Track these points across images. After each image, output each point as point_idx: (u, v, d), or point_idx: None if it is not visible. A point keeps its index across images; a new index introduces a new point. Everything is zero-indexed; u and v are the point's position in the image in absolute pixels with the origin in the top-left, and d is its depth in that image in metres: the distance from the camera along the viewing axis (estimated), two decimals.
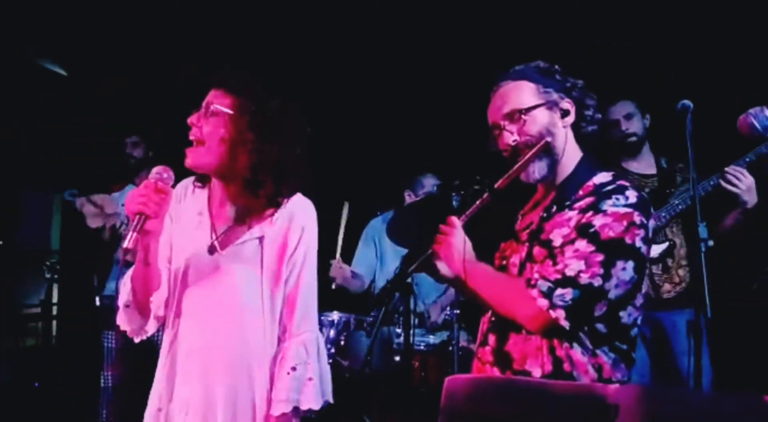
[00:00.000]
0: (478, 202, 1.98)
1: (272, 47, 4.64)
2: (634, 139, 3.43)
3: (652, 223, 1.89)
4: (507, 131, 1.96)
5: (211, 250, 1.95)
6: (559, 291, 1.78)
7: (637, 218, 1.82)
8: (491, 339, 1.97)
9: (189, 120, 1.93)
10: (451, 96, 4.49)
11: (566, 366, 1.82)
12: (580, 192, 1.91)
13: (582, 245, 1.80)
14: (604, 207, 1.82)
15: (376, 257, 4.24)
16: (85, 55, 5.11)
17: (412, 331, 3.24)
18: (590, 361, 1.83)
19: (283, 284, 1.95)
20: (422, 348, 3.56)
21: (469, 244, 1.97)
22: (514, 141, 1.95)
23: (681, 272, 3.31)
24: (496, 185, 1.96)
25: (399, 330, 3.49)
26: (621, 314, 1.85)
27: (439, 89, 4.58)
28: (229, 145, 1.91)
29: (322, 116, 4.77)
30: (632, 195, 1.85)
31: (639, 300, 1.88)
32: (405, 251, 3.76)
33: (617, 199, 1.83)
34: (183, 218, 2.01)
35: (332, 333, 3.45)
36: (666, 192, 3.35)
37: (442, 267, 2.01)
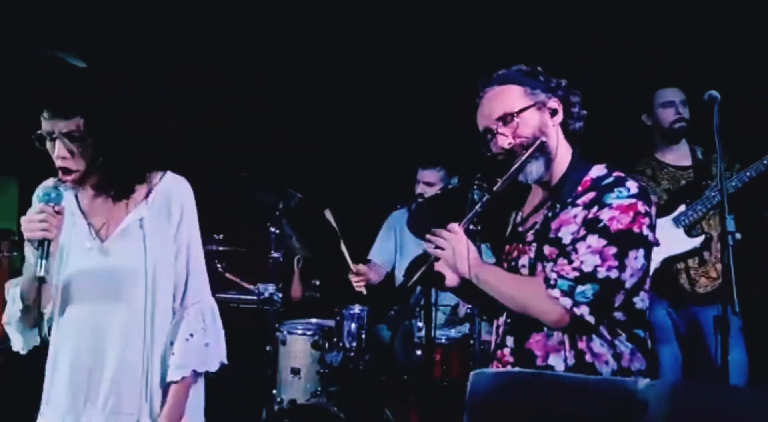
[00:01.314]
0: (477, 207, 2.03)
1: (272, 47, 4.64)
2: (683, 125, 3.37)
3: (654, 209, 1.95)
4: (500, 134, 1.99)
5: (95, 245, 1.97)
6: (579, 288, 1.84)
7: (641, 207, 1.89)
8: (509, 340, 2.02)
9: (57, 154, 1.89)
10: (452, 91, 4.49)
11: (587, 358, 1.89)
12: (579, 188, 1.97)
13: (594, 240, 1.86)
14: (609, 200, 1.88)
15: (396, 248, 4.26)
16: (105, 47, 5.13)
17: (433, 324, 3.23)
18: (609, 351, 1.90)
19: (172, 260, 2.00)
20: (443, 341, 3.55)
21: (473, 248, 2.00)
22: (509, 144, 1.98)
23: (719, 266, 3.25)
24: (495, 189, 2.01)
25: (420, 324, 3.48)
26: (635, 300, 1.93)
27: (441, 85, 4.57)
28: (90, 158, 1.90)
29: (324, 113, 4.85)
30: (633, 186, 1.92)
31: (648, 284, 1.96)
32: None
33: (620, 191, 1.90)
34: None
35: (353, 326, 3.45)
36: (702, 184, 3.30)
37: (447, 274, 2.06)
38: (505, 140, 1.98)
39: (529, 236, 2.03)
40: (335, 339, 3.46)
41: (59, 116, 1.88)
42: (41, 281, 1.83)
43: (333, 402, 3.40)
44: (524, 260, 2.03)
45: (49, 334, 2.02)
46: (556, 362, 1.91)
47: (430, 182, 4.04)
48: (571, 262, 1.87)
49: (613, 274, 1.84)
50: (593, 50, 4.00)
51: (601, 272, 1.84)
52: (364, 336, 3.42)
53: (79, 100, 1.90)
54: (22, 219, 1.85)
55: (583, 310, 1.83)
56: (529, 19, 4.21)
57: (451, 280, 2.08)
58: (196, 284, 2.04)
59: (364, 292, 3.91)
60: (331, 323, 3.70)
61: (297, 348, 3.71)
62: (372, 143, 4.88)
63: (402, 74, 4.66)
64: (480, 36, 4.33)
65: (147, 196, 2.00)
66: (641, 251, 1.87)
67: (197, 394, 2.05)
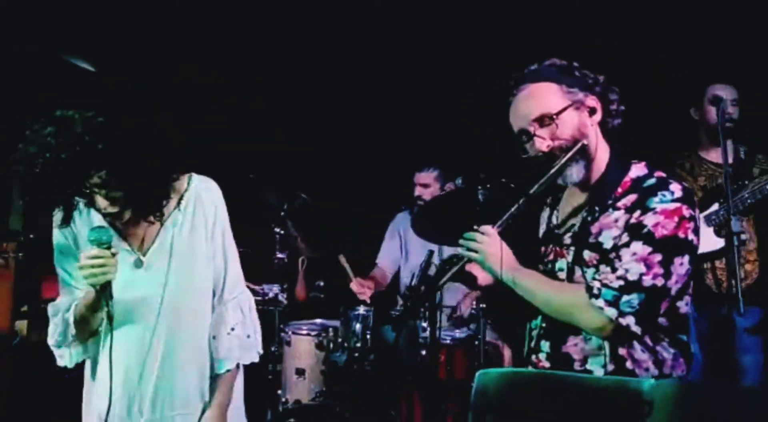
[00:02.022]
0: (513, 209, 1.95)
1: (272, 48, 4.65)
2: (732, 126, 3.29)
3: (698, 211, 1.88)
4: (539, 136, 1.91)
5: (136, 260, 1.99)
6: (625, 298, 1.78)
7: (686, 211, 1.81)
8: (545, 345, 1.96)
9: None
10: (449, 93, 4.50)
11: (628, 364, 1.82)
12: (619, 189, 1.90)
13: (638, 247, 1.79)
14: (653, 205, 1.81)
15: (401, 251, 4.28)
16: (114, 50, 5.14)
17: (438, 325, 3.24)
18: (651, 358, 1.83)
19: (210, 260, 2.05)
20: (448, 341, 3.54)
21: (509, 251, 1.94)
22: (547, 147, 1.90)
23: (748, 266, 3.24)
24: (531, 191, 1.93)
25: (425, 324, 3.48)
26: (678, 304, 1.86)
27: (439, 86, 4.58)
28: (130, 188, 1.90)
29: (327, 114, 4.85)
30: (677, 188, 1.84)
31: (691, 288, 1.90)
32: (430, 245, 3.81)
33: (663, 195, 1.82)
34: (85, 241, 1.96)
35: (358, 327, 3.44)
36: (739, 184, 3.23)
37: (480, 275, 2.04)
38: (543, 143, 1.90)
39: (567, 239, 1.97)
40: (340, 340, 3.47)
41: None
42: (111, 319, 1.86)
43: (338, 403, 3.41)
44: (561, 264, 1.97)
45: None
46: (595, 367, 1.85)
47: (425, 183, 4.08)
48: (615, 270, 1.81)
49: (659, 282, 1.78)
50: (593, 50, 3.99)
51: (647, 281, 1.77)
52: (368, 336, 3.42)
53: None
54: (81, 263, 1.85)
55: (629, 320, 1.78)
56: (527, 20, 4.21)
57: (484, 280, 2.06)
58: (233, 280, 2.10)
59: (368, 301, 3.93)
60: (336, 323, 3.70)
61: (301, 348, 3.71)
62: (376, 144, 4.89)
63: (402, 75, 4.66)
64: (477, 37, 4.34)
65: (179, 203, 2.02)
66: (686, 257, 1.81)
67: (238, 384, 2.14)
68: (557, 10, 4.12)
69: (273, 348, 3.73)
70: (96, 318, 1.96)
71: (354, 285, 3.93)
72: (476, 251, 1.95)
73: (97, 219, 1.95)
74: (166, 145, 1.94)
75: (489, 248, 1.93)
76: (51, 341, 2.02)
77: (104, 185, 1.81)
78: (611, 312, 1.78)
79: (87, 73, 4.81)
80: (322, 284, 4.35)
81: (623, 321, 1.78)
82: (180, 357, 2.00)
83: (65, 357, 2.03)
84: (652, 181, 1.87)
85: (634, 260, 1.79)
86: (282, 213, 3.97)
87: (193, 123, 4.46)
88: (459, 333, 3.64)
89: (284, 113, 4.88)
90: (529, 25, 4.21)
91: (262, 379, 3.77)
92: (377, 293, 4.05)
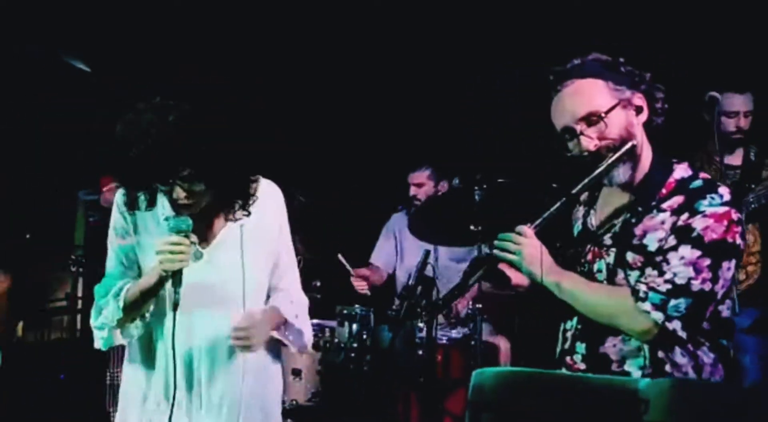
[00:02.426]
0: (552, 209, 1.90)
1: (272, 47, 4.65)
2: (740, 137, 3.30)
3: (743, 215, 1.92)
4: (586, 135, 1.86)
5: (197, 254, 2.01)
6: (672, 302, 1.76)
7: (734, 215, 1.79)
8: (580, 346, 1.93)
9: (177, 196, 1.92)
10: (447, 93, 4.51)
11: (667, 368, 1.81)
12: (663, 190, 1.86)
13: (687, 251, 1.76)
14: (702, 208, 1.78)
15: (396, 251, 4.29)
16: (109, 51, 5.14)
17: (434, 325, 3.24)
18: (690, 363, 1.81)
19: (271, 264, 2.14)
20: (445, 341, 3.55)
21: (547, 252, 1.90)
22: (594, 146, 1.85)
23: (750, 268, 3.24)
24: (573, 192, 1.89)
25: (421, 324, 3.48)
26: (720, 308, 1.85)
27: (435, 86, 4.59)
28: (204, 193, 1.94)
29: (325, 114, 4.86)
30: (725, 192, 1.82)
31: (734, 291, 1.92)
32: (426, 245, 3.83)
33: (712, 198, 1.79)
34: (147, 228, 2.04)
35: (355, 327, 3.45)
36: (746, 186, 3.23)
37: (513, 276, 2.00)
38: (590, 143, 1.85)
39: (607, 240, 1.93)
40: (336, 340, 3.47)
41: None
42: (176, 307, 1.88)
43: (334, 403, 3.41)
44: (600, 265, 1.93)
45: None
46: (633, 369, 1.83)
47: (419, 183, 4.10)
48: (662, 273, 1.78)
49: (707, 286, 1.75)
50: (593, 50, 3.99)
51: (695, 285, 1.75)
52: (365, 336, 3.42)
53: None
54: (160, 248, 1.88)
55: (676, 324, 1.76)
56: (524, 19, 4.23)
57: (518, 279, 2.02)
58: (290, 286, 2.21)
59: (368, 294, 3.94)
60: (332, 324, 3.70)
61: None
62: (372, 145, 4.90)
63: (398, 75, 4.68)
64: (471, 37, 4.35)
65: (245, 203, 2.04)
66: (733, 262, 1.79)
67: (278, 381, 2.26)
68: (554, 10, 4.13)
69: None
70: (147, 304, 1.99)
71: (354, 280, 3.96)
72: (513, 253, 1.89)
73: (167, 209, 1.99)
74: (249, 146, 1.99)
75: (527, 250, 1.87)
76: (95, 322, 2.04)
77: (189, 178, 1.86)
78: (658, 316, 1.76)
79: (85, 74, 4.81)
80: (318, 284, 4.34)
81: (670, 326, 1.76)
82: (227, 358, 2.04)
83: (103, 339, 2.04)
84: (698, 183, 1.84)
85: (682, 264, 1.76)
86: None
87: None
88: (455, 333, 3.64)
89: (282, 113, 4.89)
90: (526, 24, 4.23)
91: None
92: (374, 291, 4.05)
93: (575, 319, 1.96)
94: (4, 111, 4.70)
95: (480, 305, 3.39)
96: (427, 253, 3.18)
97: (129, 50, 4.81)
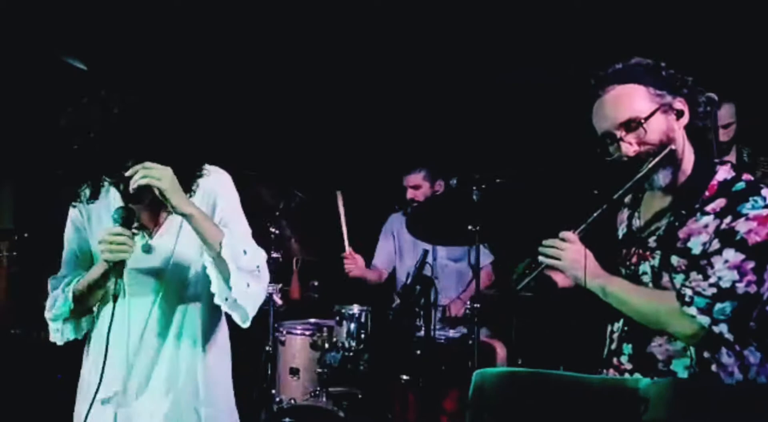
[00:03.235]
0: (596, 214, 1.93)
1: (272, 47, 4.65)
2: (724, 146, 3.31)
3: None
4: (626, 141, 1.89)
5: (142, 243, 2.05)
6: (718, 306, 1.77)
7: None
8: (627, 347, 1.95)
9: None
10: (447, 90, 4.51)
11: (713, 368, 1.82)
12: (707, 193, 1.88)
13: (731, 254, 1.78)
14: (745, 211, 1.79)
15: (395, 251, 4.30)
16: (106, 49, 5.13)
17: (433, 325, 3.25)
18: (736, 363, 1.83)
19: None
20: (442, 341, 3.55)
21: (592, 257, 1.93)
22: (634, 152, 1.89)
23: None
24: (615, 196, 1.92)
25: (419, 324, 3.49)
26: (767, 309, 1.84)
27: (435, 84, 4.59)
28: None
29: (324, 115, 4.86)
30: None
31: None
32: (424, 244, 3.83)
33: (755, 201, 1.80)
34: (101, 220, 2.07)
35: (353, 326, 3.44)
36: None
37: (559, 280, 2.05)
38: (630, 148, 1.89)
39: (652, 243, 1.95)
40: (335, 339, 3.46)
41: None
42: (115, 299, 1.88)
43: (332, 402, 3.40)
44: (645, 267, 1.96)
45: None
46: (679, 369, 1.84)
47: (415, 185, 4.11)
48: (707, 277, 1.80)
49: (752, 289, 1.77)
50: (584, 53, 4.00)
51: (740, 288, 1.77)
52: (363, 336, 3.42)
53: None
54: (102, 237, 1.88)
55: (722, 328, 1.78)
56: (520, 22, 4.23)
57: (564, 282, 2.06)
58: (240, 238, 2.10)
59: (351, 274, 3.97)
60: (331, 323, 3.70)
61: (296, 348, 3.71)
62: (371, 145, 4.90)
63: (397, 76, 4.68)
64: (469, 40, 4.36)
65: (187, 192, 2.03)
66: None
67: (226, 376, 2.20)
68: (550, 15, 4.14)
69: (267, 348, 3.73)
70: (95, 295, 2.03)
71: (346, 254, 3.99)
72: (558, 258, 1.93)
73: (117, 201, 2.01)
74: (194, 137, 1.99)
75: (571, 255, 1.91)
76: (48, 314, 2.06)
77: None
78: (704, 320, 1.78)
79: (81, 73, 4.80)
80: (316, 284, 4.35)
81: (716, 329, 1.78)
82: (174, 333, 2.06)
83: (59, 333, 2.07)
84: (741, 185, 1.86)
85: (726, 268, 1.78)
86: (277, 213, 3.97)
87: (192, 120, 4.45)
88: (453, 333, 3.65)
89: (282, 111, 4.89)
90: (522, 26, 4.23)
91: (257, 379, 3.77)
92: (373, 290, 4.06)
93: (621, 321, 1.99)
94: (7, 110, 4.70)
95: (478, 306, 3.39)
96: (426, 253, 3.20)
97: (124, 48, 4.80)
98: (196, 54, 4.61)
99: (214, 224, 1.99)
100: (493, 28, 4.31)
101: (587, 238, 1.94)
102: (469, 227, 3.29)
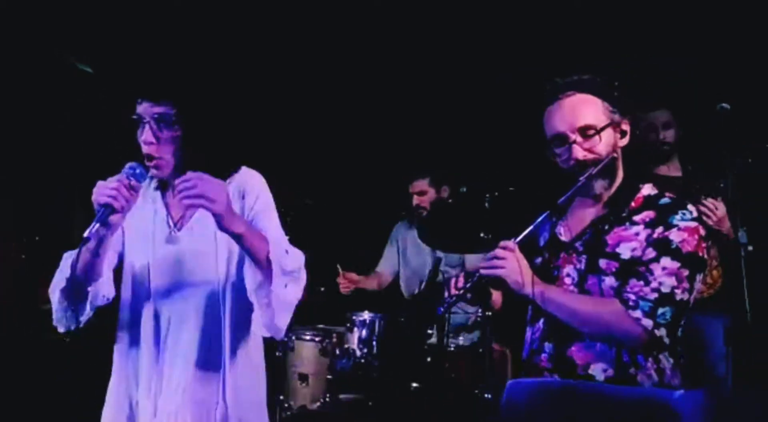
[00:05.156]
0: (538, 221, 1.98)
1: (277, 51, 4.66)
2: (667, 148, 3.47)
3: None
4: (577, 145, 1.97)
5: (171, 235, 2.02)
6: (660, 310, 1.86)
7: (702, 230, 1.92)
8: (547, 346, 2.01)
9: (144, 139, 1.92)
10: (448, 95, 4.53)
11: (631, 371, 1.89)
12: (633, 204, 1.98)
13: (668, 262, 1.87)
14: (675, 222, 1.90)
15: (398, 258, 4.32)
16: (112, 52, 5.13)
17: (445, 332, 3.25)
18: (653, 366, 1.91)
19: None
20: (452, 348, 3.55)
21: (527, 265, 1.97)
22: (583, 157, 1.96)
23: (715, 273, 3.29)
24: (559, 202, 1.97)
25: (430, 331, 3.49)
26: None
27: (436, 88, 4.61)
28: (175, 148, 1.93)
29: (321, 119, 4.87)
30: (693, 209, 1.95)
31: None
32: (426, 253, 3.85)
33: (684, 213, 1.91)
34: (135, 208, 1.98)
35: (364, 333, 3.45)
36: (691, 193, 3.31)
37: (496, 295, 2.12)
38: (580, 153, 1.96)
39: (578, 247, 2.01)
40: (346, 346, 3.46)
41: (149, 99, 1.90)
42: (84, 241, 1.80)
43: (341, 409, 3.41)
44: (569, 270, 2.02)
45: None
46: (597, 372, 1.91)
47: (421, 191, 4.11)
48: (648, 283, 1.87)
49: (686, 296, 1.87)
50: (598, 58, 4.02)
51: (678, 295, 1.86)
52: (375, 342, 3.42)
53: (171, 85, 1.92)
54: (97, 184, 1.85)
55: (662, 332, 1.86)
56: (524, 29, 4.25)
57: (497, 297, 2.13)
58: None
59: (345, 292, 4.05)
60: (340, 329, 3.70)
61: (305, 354, 3.71)
62: (377, 151, 4.92)
63: (401, 80, 4.70)
64: (474, 37, 4.37)
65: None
66: (701, 275, 1.91)
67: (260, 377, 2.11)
68: (555, 18, 4.15)
69: (278, 353, 3.72)
70: (94, 265, 1.92)
71: (340, 278, 4.05)
72: (500, 267, 1.96)
73: (152, 190, 2.03)
74: (232, 135, 1.97)
75: (512, 263, 1.95)
76: (49, 289, 1.99)
77: (163, 118, 1.87)
78: (647, 323, 1.85)
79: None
80: (323, 289, 4.35)
81: (657, 332, 1.85)
82: (204, 339, 1.99)
83: (56, 317, 1.99)
84: (666, 200, 1.97)
85: (665, 275, 1.86)
86: (288, 219, 3.96)
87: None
88: (463, 340, 3.65)
89: (288, 116, 4.89)
90: (517, 32, 4.25)
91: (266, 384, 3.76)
92: (382, 297, 4.07)
93: (542, 320, 2.05)
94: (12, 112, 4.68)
95: (489, 313, 3.39)
96: (438, 260, 3.20)
97: (127, 49, 4.79)
98: (200, 57, 4.60)
99: (259, 236, 1.89)
100: (498, 31, 4.33)
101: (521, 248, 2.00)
102: (482, 235, 3.29)
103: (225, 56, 4.47)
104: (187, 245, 2.02)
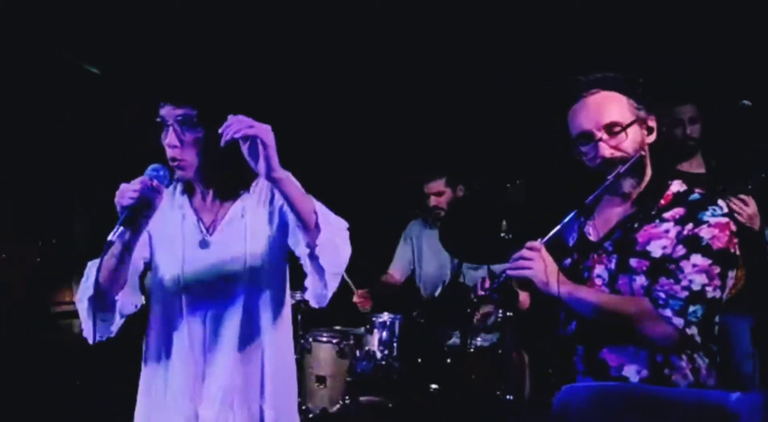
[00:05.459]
0: (565, 221, 1.96)
1: (285, 54, 4.64)
2: (693, 144, 3.43)
3: None
4: (604, 142, 1.93)
5: (203, 239, 1.98)
6: (691, 308, 1.82)
7: (733, 226, 1.89)
8: (579, 348, 1.99)
9: (168, 142, 1.88)
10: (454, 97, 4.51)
11: (665, 372, 1.86)
12: (662, 202, 1.95)
13: (698, 259, 1.84)
14: (705, 218, 1.86)
15: (413, 257, 4.29)
16: (119, 54, 5.10)
17: (468, 333, 3.22)
18: (688, 366, 1.87)
19: (279, 239, 1.97)
20: (471, 350, 3.53)
21: (554, 265, 1.95)
22: (611, 154, 1.93)
23: (738, 272, 3.27)
24: (587, 202, 1.95)
25: (449, 331, 3.47)
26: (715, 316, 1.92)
27: (441, 91, 4.59)
28: (205, 153, 1.90)
29: (327, 121, 4.86)
30: (724, 205, 1.91)
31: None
32: (442, 252, 3.82)
33: (714, 210, 1.88)
34: (160, 212, 1.94)
35: (385, 334, 3.42)
36: (716, 190, 3.30)
37: (523, 296, 2.08)
38: (607, 150, 1.93)
39: (608, 246, 1.98)
40: (367, 348, 3.43)
41: (171, 102, 1.87)
42: (108, 244, 1.76)
43: (362, 411, 3.38)
44: (599, 271, 1.99)
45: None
46: (630, 374, 1.88)
47: (438, 191, 4.08)
48: (678, 281, 1.84)
49: (718, 294, 1.84)
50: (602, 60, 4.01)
51: (709, 292, 1.83)
52: (396, 344, 3.39)
53: (192, 87, 1.90)
54: (120, 186, 1.81)
55: (693, 330, 1.83)
56: (531, 28, 4.23)
57: (524, 298, 2.09)
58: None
59: (368, 311, 3.95)
60: (357, 330, 3.68)
61: (322, 356, 3.67)
62: (386, 152, 4.90)
63: (397, 82, 4.68)
64: (479, 37, 4.36)
65: (248, 188, 1.99)
66: (734, 271, 1.88)
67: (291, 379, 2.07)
68: (564, 20, 4.14)
69: (296, 355, 3.69)
70: (119, 271, 1.88)
71: (356, 298, 3.94)
72: (527, 267, 1.94)
73: (179, 195, 2.01)
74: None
75: (540, 264, 1.93)
76: (76, 297, 1.94)
77: (186, 120, 1.85)
78: (678, 322, 1.82)
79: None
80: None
81: (689, 331, 1.83)
82: (239, 342, 1.95)
83: (85, 327, 1.92)
84: (696, 196, 1.93)
85: (696, 272, 1.83)
86: None
87: None
88: (481, 341, 3.62)
89: (298, 120, 4.87)
90: (531, 35, 4.24)
91: None
92: (397, 297, 4.03)
93: (574, 323, 2.02)
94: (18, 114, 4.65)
95: (510, 314, 3.37)
96: (461, 263, 3.17)
97: (132, 51, 4.76)
98: (220, 58, 4.58)
99: (302, 191, 1.81)
100: (499, 31, 4.32)
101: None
102: (502, 235, 3.26)
103: (244, 56, 4.45)
104: (222, 248, 1.98)
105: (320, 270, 1.84)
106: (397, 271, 4.32)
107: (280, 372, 2.01)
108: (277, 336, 2.01)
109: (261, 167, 1.72)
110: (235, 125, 1.70)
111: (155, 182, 1.82)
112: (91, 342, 1.94)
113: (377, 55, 4.59)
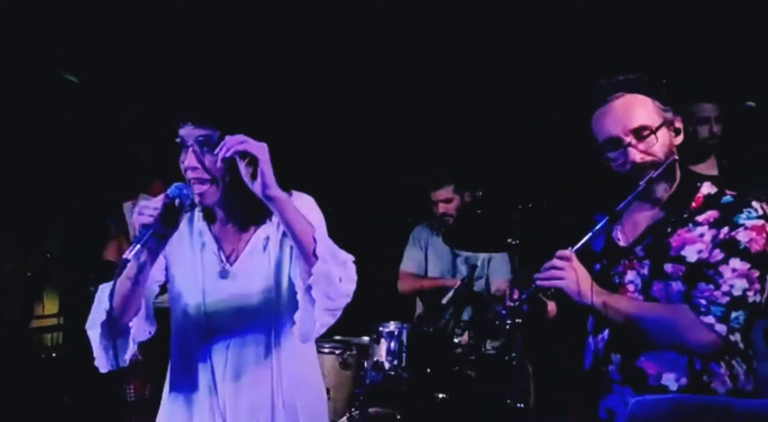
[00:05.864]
0: (596, 228, 1.92)
1: (292, 56, 4.58)
2: (716, 143, 3.40)
3: None
4: (633, 147, 1.89)
5: (224, 269, 1.92)
6: (733, 314, 1.80)
7: None
8: (615, 357, 1.95)
9: (187, 164, 1.81)
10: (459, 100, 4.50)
11: (705, 379, 1.84)
12: (693, 205, 1.91)
13: (737, 263, 1.80)
14: (741, 221, 1.83)
15: (425, 258, 4.25)
16: (97, 62, 4.99)
17: (480, 341, 3.17)
18: (727, 372, 1.85)
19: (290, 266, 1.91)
20: (476, 357, 3.48)
21: (586, 274, 1.91)
22: (641, 159, 1.89)
23: None
24: (617, 209, 1.91)
25: (457, 340, 3.41)
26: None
27: (447, 94, 4.57)
28: (220, 173, 1.82)
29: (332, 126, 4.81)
30: (758, 206, 1.87)
31: None
32: (447, 257, 3.78)
33: (749, 212, 1.84)
34: (179, 238, 1.91)
35: (392, 344, 3.34)
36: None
37: (551, 306, 2.05)
38: (637, 155, 1.88)
39: (639, 252, 1.95)
40: (375, 359, 3.35)
41: (192, 122, 1.80)
42: (123, 263, 1.68)
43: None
44: (632, 276, 1.95)
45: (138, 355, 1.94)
46: (669, 382, 1.86)
47: (447, 199, 4.05)
48: (718, 286, 1.81)
49: (758, 298, 1.80)
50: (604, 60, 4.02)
51: (750, 297, 1.80)
52: (404, 354, 3.31)
53: (214, 107, 1.83)
54: (140, 203, 1.77)
55: (737, 337, 1.81)
56: (539, 28, 4.23)
57: (552, 307, 2.06)
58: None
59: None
60: (359, 340, 3.60)
61: (325, 367, 3.57)
62: (391, 156, 4.87)
63: (404, 84, 4.66)
64: (483, 39, 4.35)
65: (271, 216, 1.92)
66: None
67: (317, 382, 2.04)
68: (570, 18, 4.14)
69: None
70: (133, 295, 1.80)
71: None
72: (559, 278, 1.90)
73: (199, 222, 1.94)
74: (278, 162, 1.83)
75: (572, 273, 1.89)
76: (87, 323, 1.85)
77: (205, 140, 1.79)
78: (721, 328, 1.79)
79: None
80: None
81: (732, 338, 1.80)
82: (260, 375, 1.90)
83: (98, 356, 1.84)
84: (729, 198, 1.89)
85: (735, 277, 1.80)
86: None
87: None
88: (489, 348, 3.58)
89: (303, 128, 4.81)
90: (538, 34, 4.23)
91: None
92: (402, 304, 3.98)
93: (606, 331, 1.98)
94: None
95: (519, 321, 3.33)
96: (473, 268, 3.13)
97: (120, 57, 4.66)
98: (195, 57, 4.50)
99: (302, 215, 1.77)
100: (497, 30, 4.31)
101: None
102: (509, 241, 3.22)
103: (255, 69, 4.40)
104: (244, 279, 1.92)
105: (311, 302, 1.76)
106: (411, 269, 4.26)
107: (308, 402, 1.96)
108: (302, 364, 1.97)
109: (256, 184, 1.69)
110: (229, 143, 1.68)
111: (177, 201, 1.75)
112: (103, 370, 1.86)
113: (378, 55, 4.57)
